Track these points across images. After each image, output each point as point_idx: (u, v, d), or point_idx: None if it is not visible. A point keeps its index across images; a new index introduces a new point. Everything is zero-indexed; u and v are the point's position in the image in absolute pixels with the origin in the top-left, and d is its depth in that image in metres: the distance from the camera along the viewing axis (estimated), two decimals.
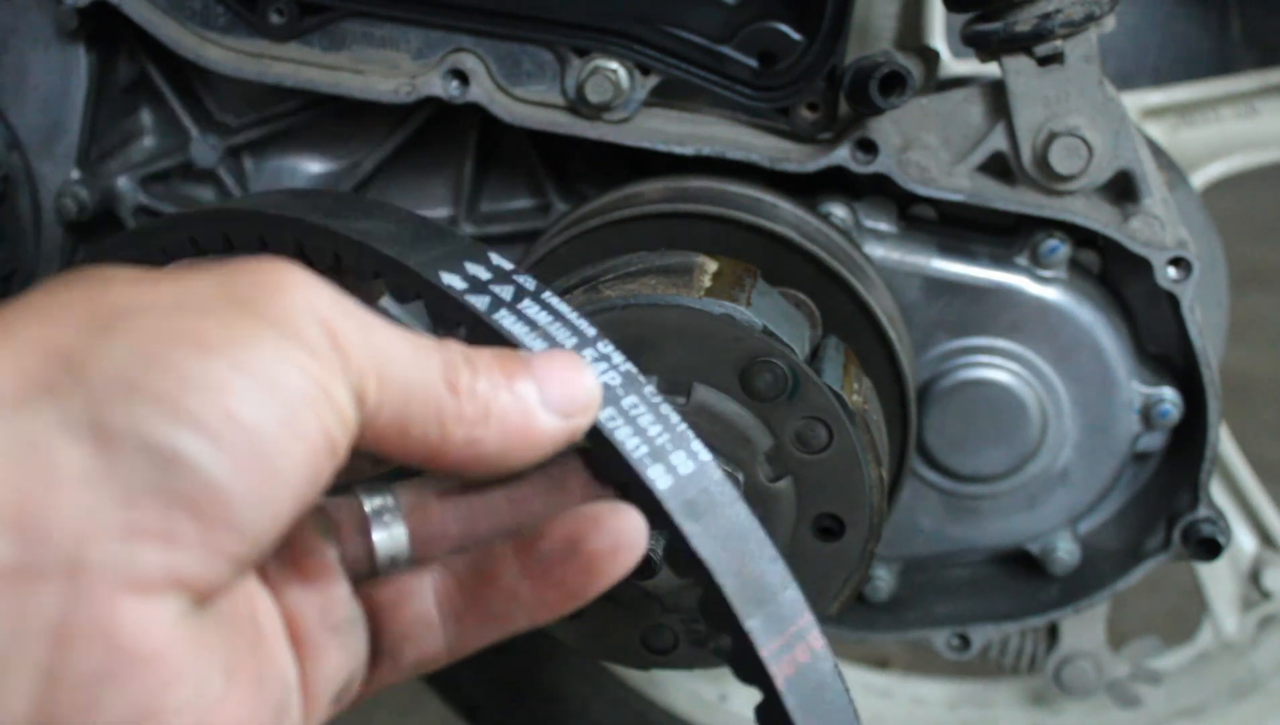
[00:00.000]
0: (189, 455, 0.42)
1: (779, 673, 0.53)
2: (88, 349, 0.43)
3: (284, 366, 0.44)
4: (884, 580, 1.04)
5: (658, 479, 0.53)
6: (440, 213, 1.03)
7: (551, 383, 0.52)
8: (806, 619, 0.56)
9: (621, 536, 0.52)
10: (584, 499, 0.55)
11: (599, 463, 0.55)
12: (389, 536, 0.54)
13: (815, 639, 0.55)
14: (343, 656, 0.51)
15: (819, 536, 0.82)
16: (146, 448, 0.42)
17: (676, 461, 0.54)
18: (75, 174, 0.99)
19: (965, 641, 1.04)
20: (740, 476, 0.79)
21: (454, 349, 0.51)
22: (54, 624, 0.41)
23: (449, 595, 0.54)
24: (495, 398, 0.50)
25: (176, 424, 0.42)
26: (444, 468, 0.50)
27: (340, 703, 0.52)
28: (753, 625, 0.54)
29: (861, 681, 1.23)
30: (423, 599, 0.54)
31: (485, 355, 0.51)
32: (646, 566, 0.76)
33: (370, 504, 0.54)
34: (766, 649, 0.53)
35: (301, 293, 0.46)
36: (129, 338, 0.43)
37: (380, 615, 0.53)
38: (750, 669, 0.53)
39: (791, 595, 0.56)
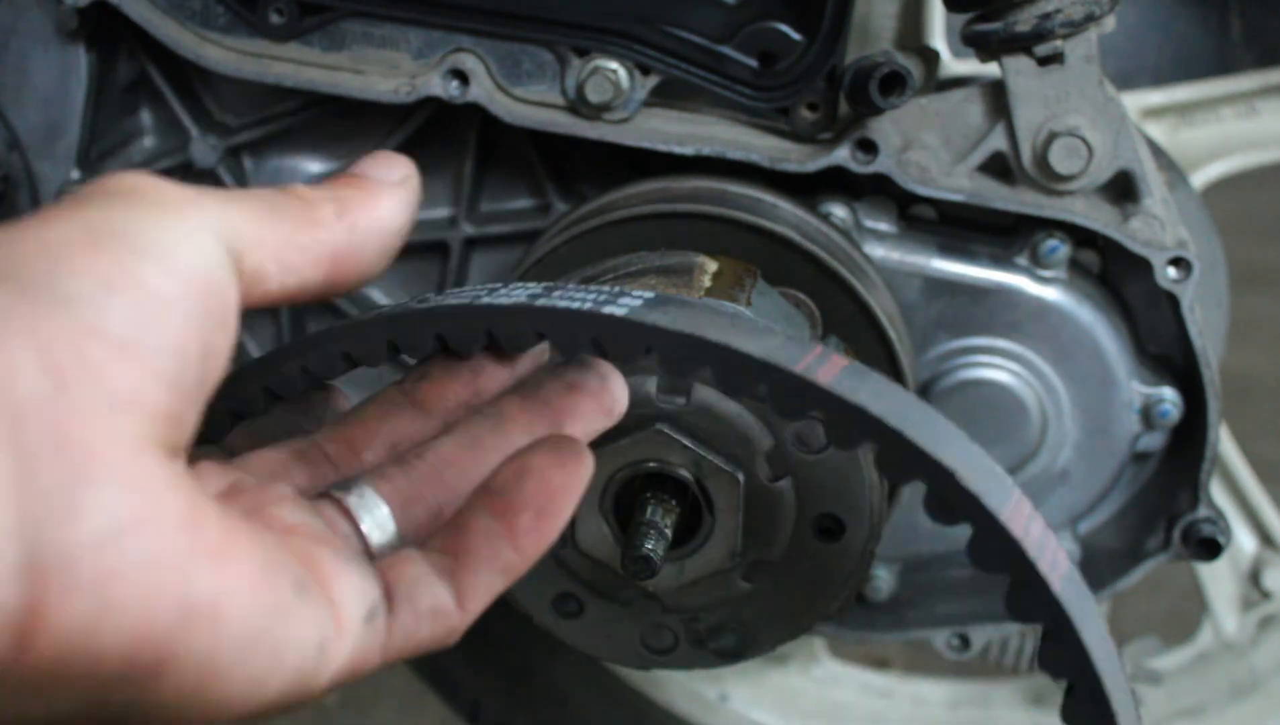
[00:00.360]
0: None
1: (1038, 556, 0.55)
2: None
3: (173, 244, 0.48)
4: (884, 580, 1.04)
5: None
6: (440, 213, 1.03)
7: (370, 165, 0.63)
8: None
9: (564, 450, 0.56)
10: (527, 434, 0.59)
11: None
12: (374, 521, 0.56)
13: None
14: (364, 580, 0.53)
15: (819, 536, 0.82)
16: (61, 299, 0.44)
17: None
18: (75, 174, 0.99)
19: (965, 641, 1.04)
20: (740, 476, 0.80)
21: (296, 189, 0.57)
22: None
23: (437, 554, 0.56)
24: (335, 189, 0.59)
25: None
26: (339, 275, 0.56)
27: (373, 624, 0.52)
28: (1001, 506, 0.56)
29: (861, 681, 1.23)
30: (416, 562, 0.55)
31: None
32: (647, 566, 0.76)
33: (348, 499, 0.56)
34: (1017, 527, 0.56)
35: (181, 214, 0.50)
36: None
37: (384, 577, 0.55)
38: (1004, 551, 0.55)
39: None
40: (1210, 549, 0.98)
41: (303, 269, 0.54)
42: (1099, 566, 1.03)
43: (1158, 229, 0.92)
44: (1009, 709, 1.21)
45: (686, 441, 0.79)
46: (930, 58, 1.03)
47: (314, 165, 1.03)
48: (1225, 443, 1.16)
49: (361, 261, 0.57)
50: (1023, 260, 0.97)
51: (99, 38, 0.98)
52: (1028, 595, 0.56)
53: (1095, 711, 0.57)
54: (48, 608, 0.42)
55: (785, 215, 0.92)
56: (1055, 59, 0.89)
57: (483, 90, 0.93)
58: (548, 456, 0.56)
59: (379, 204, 0.59)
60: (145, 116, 1.03)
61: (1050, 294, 0.97)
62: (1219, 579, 1.18)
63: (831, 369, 0.57)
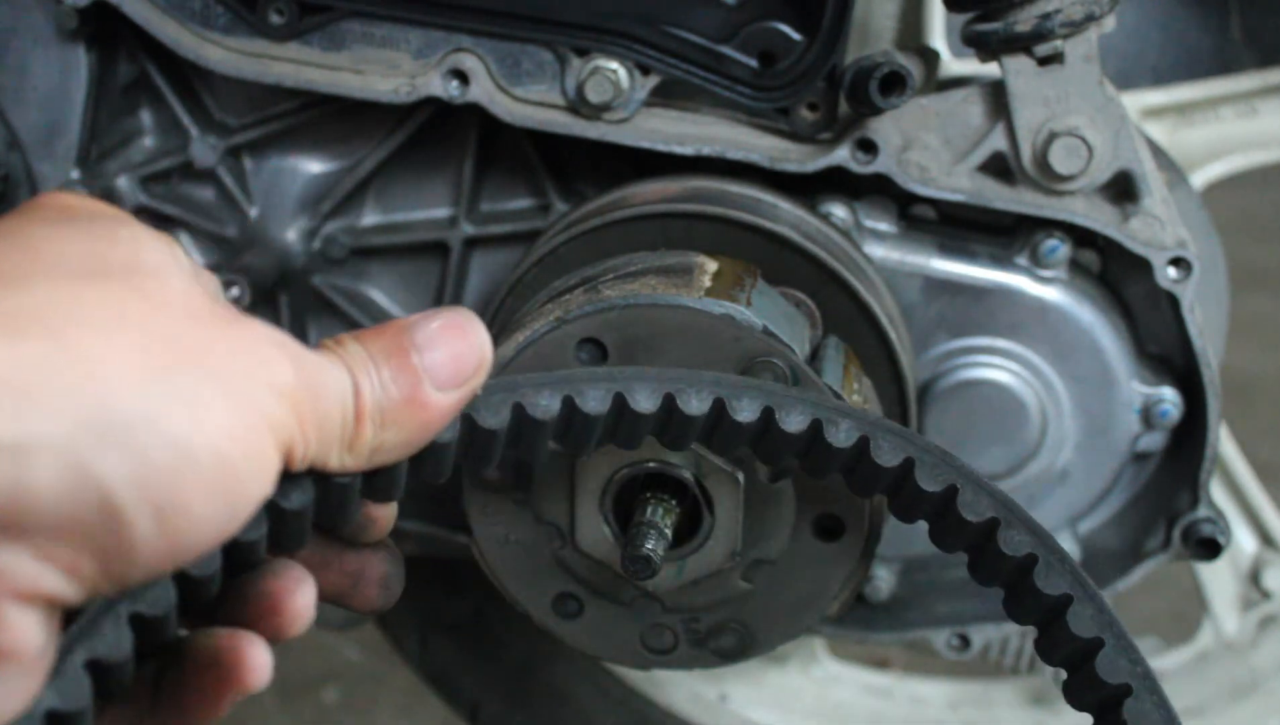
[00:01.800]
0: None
1: None
2: None
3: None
4: (884, 580, 1.04)
5: None
6: (440, 213, 1.03)
7: (437, 356, 0.57)
8: None
9: None
10: None
11: None
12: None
13: None
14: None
15: (819, 536, 0.82)
16: None
17: None
18: (75, 174, 0.99)
19: (965, 641, 1.04)
20: (740, 476, 0.79)
21: (353, 359, 0.56)
22: None
23: None
24: (390, 401, 0.56)
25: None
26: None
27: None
28: None
29: (861, 681, 1.23)
30: None
31: (374, 348, 0.57)
32: (647, 566, 0.76)
33: None
34: None
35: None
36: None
37: None
38: None
39: None
40: (1210, 549, 0.98)
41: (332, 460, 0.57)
42: (1099, 566, 1.02)
43: (1158, 229, 0.92)
44: (1009, 709, 1.21)
45: None
46: (930, 58, 1.03)
47: (314, 165, 1.03)
48: (1225, 443, 1.16)
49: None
50: (1023, 260, 0.97)
51: (99, 38, 0.98)
52: None
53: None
54: None
55: (785, 215, 0.92)
56: (1055, 59, 0.89)
57: (483, 90, 0.93)
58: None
59: (419, 422, 0.59)
60: (145, 116, 1.03)
61: (1050, 294, 0.97)
62: (1219, 579, 1.18)
63: None
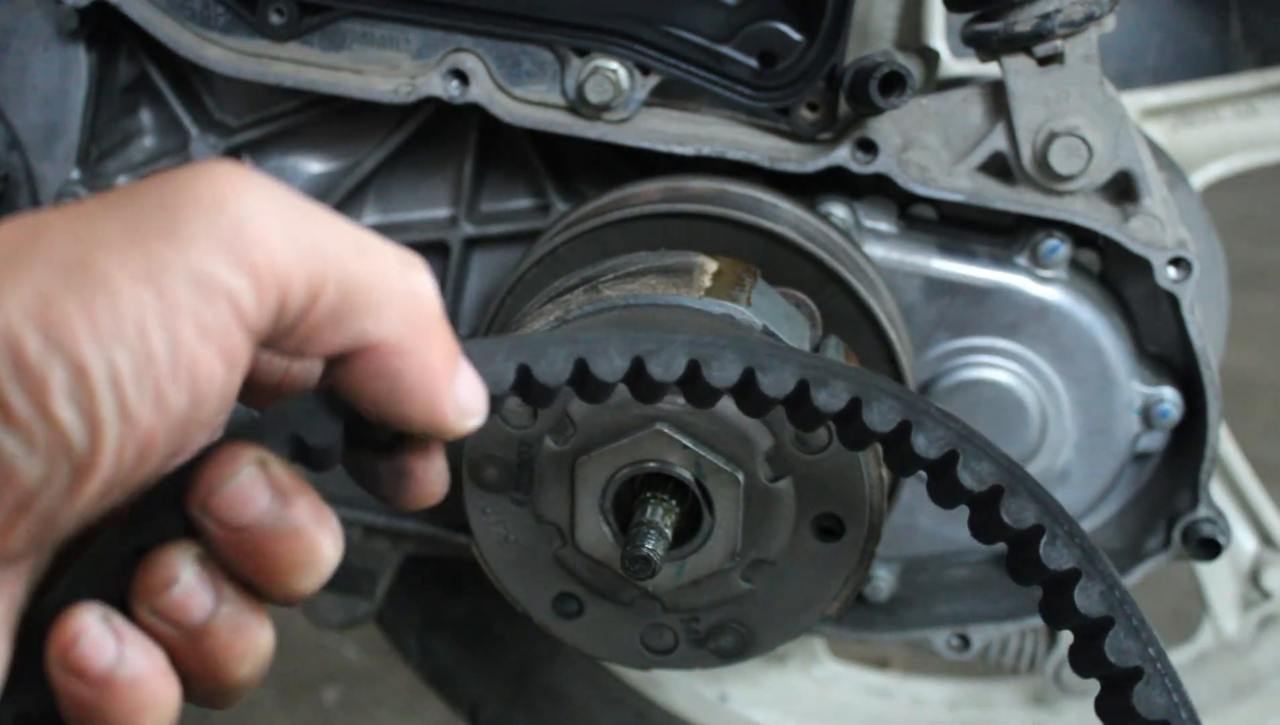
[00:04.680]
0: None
1: None
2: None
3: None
4: (884, 580, 1.04)
5: None
6: (440, 213, 1.03)
7: (469, 382, 0.55)
8: None
9: None
10: None
11: None
12: None
13: None
14: None
15: (819, 536, 0.82)
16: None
17: None
18: (75, 174, 0.99)
19: (965, 641, 1.04)
20: (740, 476, 0.80)
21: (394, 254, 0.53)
22: None
23: None
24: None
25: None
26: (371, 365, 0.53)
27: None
28: None
29: (861, 681, 1.23)
30: None
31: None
32: (647, 566, 0.76)
33: None
34: None
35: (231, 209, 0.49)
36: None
37: None
38: None
39: None
40: (1210, 549, 0.98)
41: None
42: None
43: (1158, 229, 0.92)
44: (1009, 709, 1.21)
45: (686, 441, 0.79)
46: (930, 58, 1.03)
47: (314, 165, 1.03)
48: (1225, 443, 1.16)
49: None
50: (1023, 260, 0.97)
51: (99, 38, 0.98)
52: None
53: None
54: None
55: (785, 215, 0.92)
56: (1055, 59, 0.89)
57: (483, 90, 0.93)
58: None
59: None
60: (145, 116, 1.03)
61: (1050, 294, 0.97)
62: (1219, 579, 1.18)
63: None
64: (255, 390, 0.59)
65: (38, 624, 0.50)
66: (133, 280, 0.47)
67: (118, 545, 0.51)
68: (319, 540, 0.52)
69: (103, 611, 0.50)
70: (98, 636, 0.49)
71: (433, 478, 0.59)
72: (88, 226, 0.48)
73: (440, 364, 0.53)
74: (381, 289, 0.51)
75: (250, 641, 0.53)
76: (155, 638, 0.51)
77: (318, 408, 0.53)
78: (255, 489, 0.51)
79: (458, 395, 0.54)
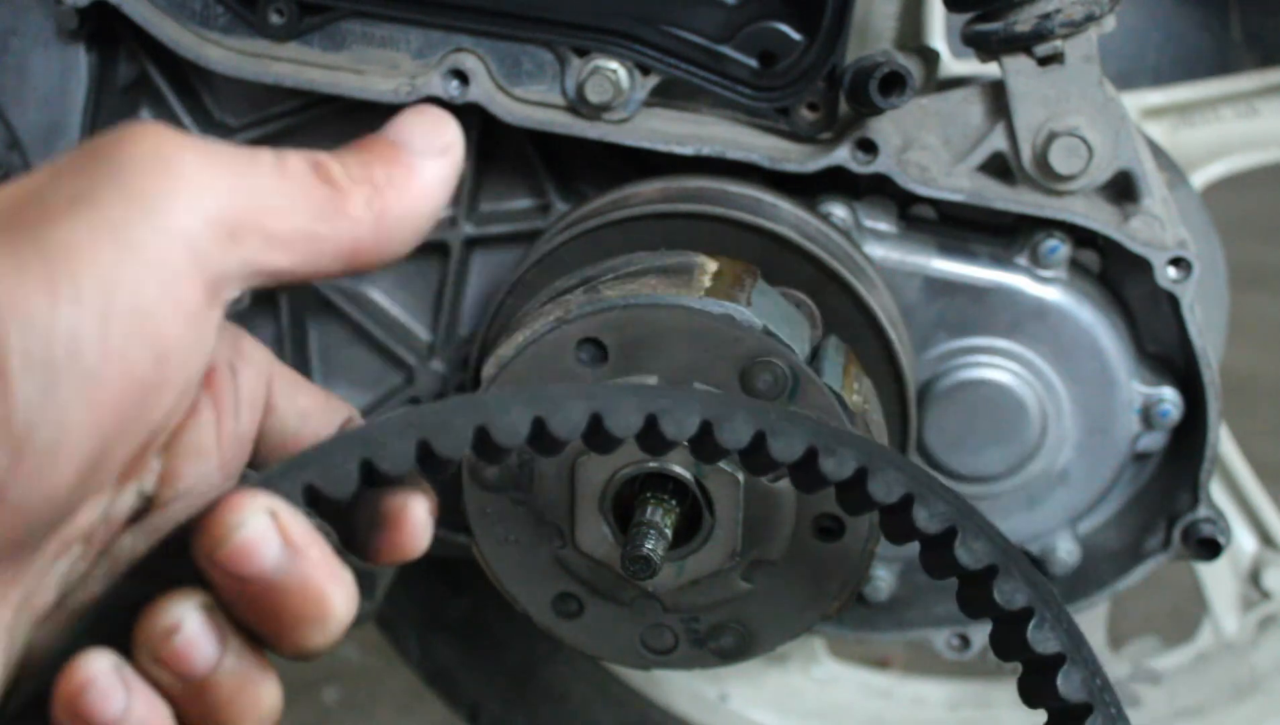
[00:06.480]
0: None
1: None
2: None
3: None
4: (884, 580, 1.04)
5: None
6: (439, 213, 1.03)
7: (413, 130, 0.56)
8: None
9: None
10: None
11: None
12: None
13: None
14: None
15: (819, 536, 0.82)
16: None
17: None
18: None
19: (965, 641, 1.04)
20: (740, 476, 0.79)
21: (305, 155, 0.54)
22: None
23: None
24: (371, 168, 0.54)
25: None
26: (359, 264, 0.54)
27: None
28: None
29: (861, 681, 1.23)
30: None
31: (344, 150, 0.55)
32: (647, 566, 0.76)
33: None
34: None
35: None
36: None
37: None
38: None
39: None
40: (1210, 549, 0.98)
41: (318, 260, 0.53)
42: (1099, 566, 1.03)
43: (1158, 229, 0.92)
44: (1009, 709, 1.21)
45: None
46: (930, 58, 1.03)
47: None
48: (1225, 443, 1.16)
49: (386, 251, 0.56)
50: (1023, 260, 0.97)
51: (99, 38, 0.98)
52: None
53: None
54: None
55: (785, 215, 0.92)
56: (1055, 59, 0.89)
57: (483, 90, 0.93)
58: None
59: (413, 186, 0.56)
60: (145, 116, 1.03)
61: (1050, 294, 0.97)
62: (1219, 579, 1.18)
63: None
64: (264, 454, 0.59)
65: (46, 666, 0.49)
66: (91, 238, 0.46)
67: (125, 591, 0.50)
68: (329, 594, 0.51)
69: (114, 661, 0.49)
70: (106, 686, 0.48)
71: (419, 523, 0.59)
72: (36, 193, 0.48)
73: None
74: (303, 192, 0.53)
75: (254, 698, 0.51)
76: (157, 689, 0.49)
77: (333, 455, 0.52)
78: (264, 539, 0.49)
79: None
